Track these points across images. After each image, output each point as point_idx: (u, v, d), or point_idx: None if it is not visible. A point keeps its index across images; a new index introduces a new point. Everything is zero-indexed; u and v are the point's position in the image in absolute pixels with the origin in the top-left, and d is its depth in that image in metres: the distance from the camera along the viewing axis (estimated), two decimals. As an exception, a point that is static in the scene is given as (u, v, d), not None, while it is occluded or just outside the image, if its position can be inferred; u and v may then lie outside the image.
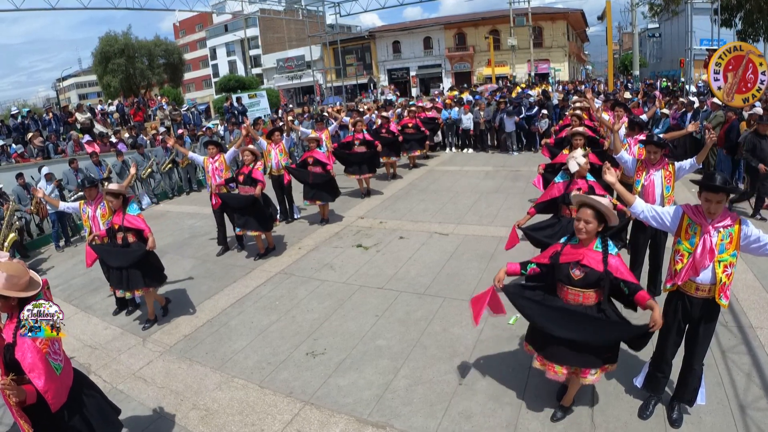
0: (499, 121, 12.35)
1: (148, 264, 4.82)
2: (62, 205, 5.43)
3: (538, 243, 4.43)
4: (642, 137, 4.72)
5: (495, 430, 3.06)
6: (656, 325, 2.58)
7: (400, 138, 10.33)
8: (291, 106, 19.64)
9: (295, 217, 8.15)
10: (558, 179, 4.54)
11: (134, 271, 4.72)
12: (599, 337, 2.74)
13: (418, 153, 11.33)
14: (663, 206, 3.09)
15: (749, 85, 7.25)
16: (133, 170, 5.82)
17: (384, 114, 11.00)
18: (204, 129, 13.17)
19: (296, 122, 12.85)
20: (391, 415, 3.29)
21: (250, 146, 6.43)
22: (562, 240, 2.97)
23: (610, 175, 3.02)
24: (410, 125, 11.06)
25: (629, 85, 20.98)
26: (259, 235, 6.41)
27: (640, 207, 2.94)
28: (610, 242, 2.82)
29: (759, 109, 7.45)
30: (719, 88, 7.46)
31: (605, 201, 2.81)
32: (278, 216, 8.06)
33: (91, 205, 5.16)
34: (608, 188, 4.62)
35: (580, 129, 5.94)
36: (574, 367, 2.85)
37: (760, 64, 7.17)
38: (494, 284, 3.03)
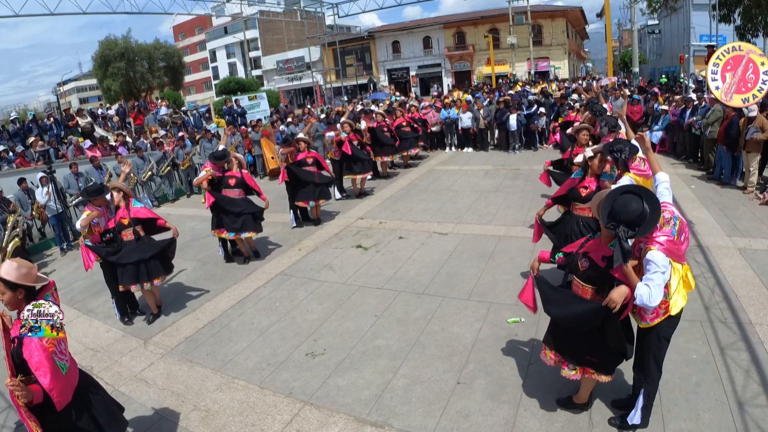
0: (502, 120, 12.31)
1: (168, 252, 5.02)
2: (79, 226, 5.24)
3: (549, 237, 4.53)
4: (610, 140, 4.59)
5: (493, 429, 3.08)
6: (610, 301, 2.51)
7: (397, 142, 10.55)
8: (313, 110, 19.69)
9: (310, 218, 8.08)
10: (575, 175, 4.51)
11: (154, 261, 4.87)
12: (573, 308, 2.77)
13: (415, 152, 11.44)
14: None
15: (749, 85, 7.18)
16: (126, 168, 5.65)
17: (381, 111, 11.08)
18: (203, 131, 13.16)
19: (291, 126, 12.91)
20: (390, 414, 3.31)
21: (237, 154, 6.48)
22: (597, 234, 2.95)
23: (643, 143, 3.14)
24: (404, 124, 11.16)
25: (625, 82, 20.92)
26: (241, 240, 6.38)
27: (661, 178, 2.91)
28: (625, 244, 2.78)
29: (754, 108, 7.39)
30: (717, 88, 7.41)
31: None
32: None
33: (102, 211, 5.15)
34: None
35: (586, 125, 5.84)
36: (558, 355, 2.96)
37: (762, 64, 7.09)
38: (531, 273, 3.12)
